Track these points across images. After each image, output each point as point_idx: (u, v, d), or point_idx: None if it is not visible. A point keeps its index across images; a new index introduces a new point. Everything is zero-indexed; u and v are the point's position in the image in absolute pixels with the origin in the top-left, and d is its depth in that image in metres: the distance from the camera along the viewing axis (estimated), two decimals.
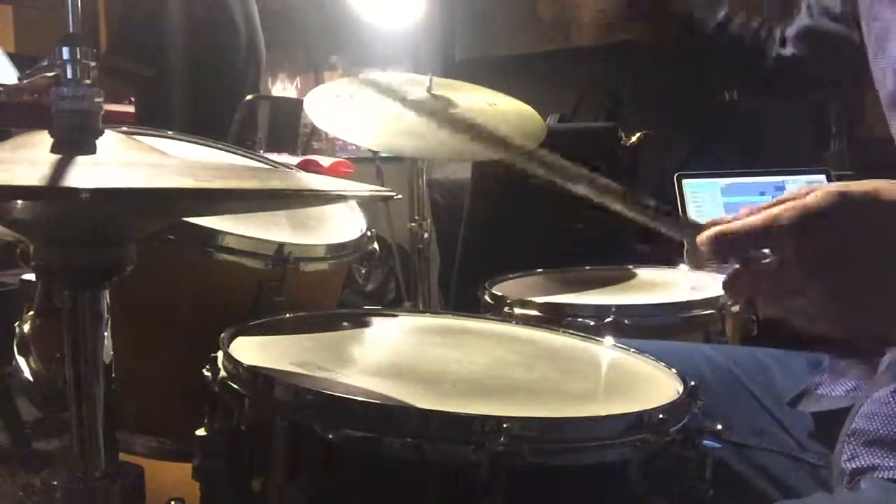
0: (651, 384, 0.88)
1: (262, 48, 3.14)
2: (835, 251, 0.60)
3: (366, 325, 1.10)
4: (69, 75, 0.75)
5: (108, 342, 0.81)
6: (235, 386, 0.80)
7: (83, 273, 0.78)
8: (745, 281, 0.65)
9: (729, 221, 0.65)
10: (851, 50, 1.08)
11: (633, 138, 3.33)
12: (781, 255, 0.62)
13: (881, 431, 0.80)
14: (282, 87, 5.34)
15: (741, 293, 0.66)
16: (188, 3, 2.79)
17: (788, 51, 1.39)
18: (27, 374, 1.18)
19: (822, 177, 2.45)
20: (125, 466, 0.85)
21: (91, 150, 0.74)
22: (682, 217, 0.70)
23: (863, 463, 0.80)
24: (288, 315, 1.06)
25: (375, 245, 1.32)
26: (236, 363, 0.81)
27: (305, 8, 4.85)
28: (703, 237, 0.65)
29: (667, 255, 2.32)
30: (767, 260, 0.63)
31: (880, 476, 0.78)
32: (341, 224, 1.32)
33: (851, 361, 0.93)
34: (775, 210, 0.62)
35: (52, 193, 0.63)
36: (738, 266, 0.65)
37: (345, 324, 1.08)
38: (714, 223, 0.66)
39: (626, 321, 1.38)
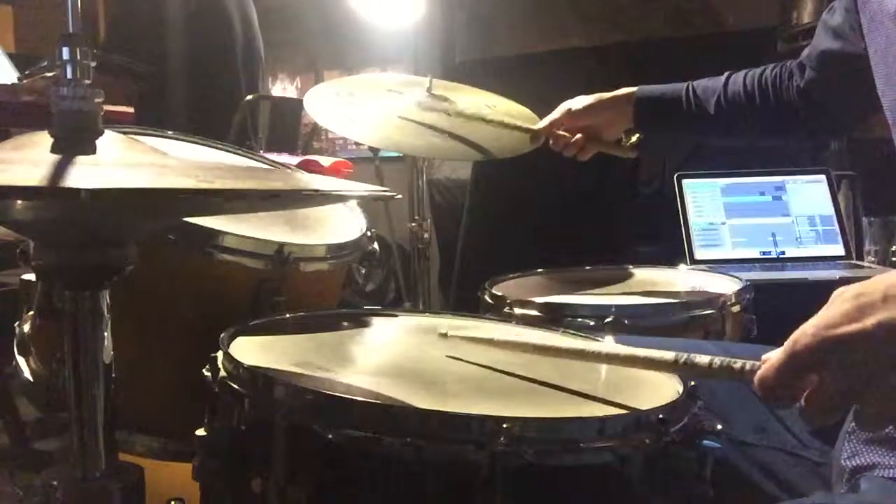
0: (651, 384, 0.88)
1: (261, 48, 3.14)
2: (858, 357, 0.64)
3: (366, 325, 1.10)
4: (69, 75, 0.75)
5: (108, 342, 0.81)
6: (235, 386, 0.80)
7: (83, 273, 0.78)
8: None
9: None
10: (863, 68, 1.07)
11: (633, 138, 3.34)
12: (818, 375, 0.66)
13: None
14: (282, 87, 5.34)
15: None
16: (182, 0, 2.79)
17: (808, 75, 1.35)
18: (27, 374, 1.18)
19: (823, 176, 2.45)
20: (125, 466, 0.85)
21: (91, 150, 0.74)
22: (736, 366, 0.74)
23: (863, 461, 0.80)
24: (288, 315, 1.06)
25: (375, 245, 1.32)
26: (236, 363, 0.81)
27: (305, 8, 4.85)
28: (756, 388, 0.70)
29: (667, 255, 2.33)
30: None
31: (880, 474, 0.78)
32: (341, 224, 1.32)
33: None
34: (793, 336, 0.67)
35: (52, 194, 0.63)
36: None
37: (345, 324, 1.08)
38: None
39: (626, 321, 1.38)
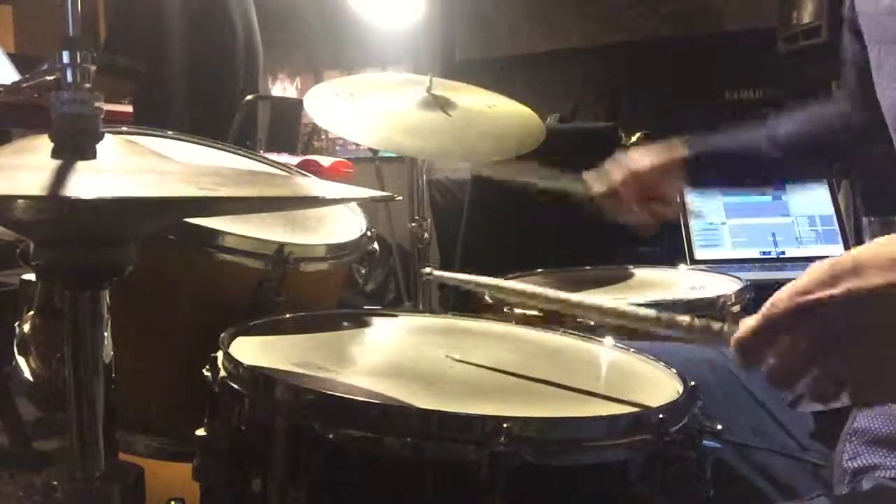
0: (651, 384, 0.88)
1: (260, 48, 3.14)
2: (827, 322, 0.68)
3: (366, 325, 1.10)
4: (69, 79, 0.74)
5: (108, 342, 0.81)
6: (235, 386, 0.80)
7: (83, 273, 0.78)
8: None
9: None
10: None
11: (633, 138, 3.34)
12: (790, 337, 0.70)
13: (882, 430, 0.80)
14: (282, 87, 5.34)
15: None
16: (183, 0, 2.79)
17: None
18: (27, 374, 1.18)
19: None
20: (125, 466, 0.85)
21: (91, 154, 0.74)
22: (715, 327, 0.78)
23: (864, 462, 0.80)
24: (288, 315, 1.06)
25: (375, 245, 1.32)
26: (236, 363, 0.81)
27: (305, 8, 4.85)
28: (732, 350, 0.73)
29: (667, 255, 2.33)
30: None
31: (881, 475, 0.78)
32: (341, 224, 1.32)
33: None
34: (770, 300, 0.71)
35: (52, 201, 0.63)
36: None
37: (345, 324, 1.08)
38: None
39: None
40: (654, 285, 1.67)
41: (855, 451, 0.81)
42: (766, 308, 0.70)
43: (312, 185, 0.88)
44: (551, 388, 0.86)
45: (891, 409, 0.80)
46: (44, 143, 0.74)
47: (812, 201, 2.41)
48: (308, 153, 3.51)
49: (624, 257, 1.96)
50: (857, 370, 0.68)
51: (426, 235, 1.95)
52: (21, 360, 1.19)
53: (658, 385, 0.87)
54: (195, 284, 1.13)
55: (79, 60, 0.74)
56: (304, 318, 1.06)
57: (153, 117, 2.74)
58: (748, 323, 0.71)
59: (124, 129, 1.32)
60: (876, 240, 0.70)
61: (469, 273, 1.00)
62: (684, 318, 0.79)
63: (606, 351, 1.03)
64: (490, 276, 1.65)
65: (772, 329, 0.70)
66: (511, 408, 0.78)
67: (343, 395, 0.74)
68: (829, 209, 2.40)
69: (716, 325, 0.77)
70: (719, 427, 0.78)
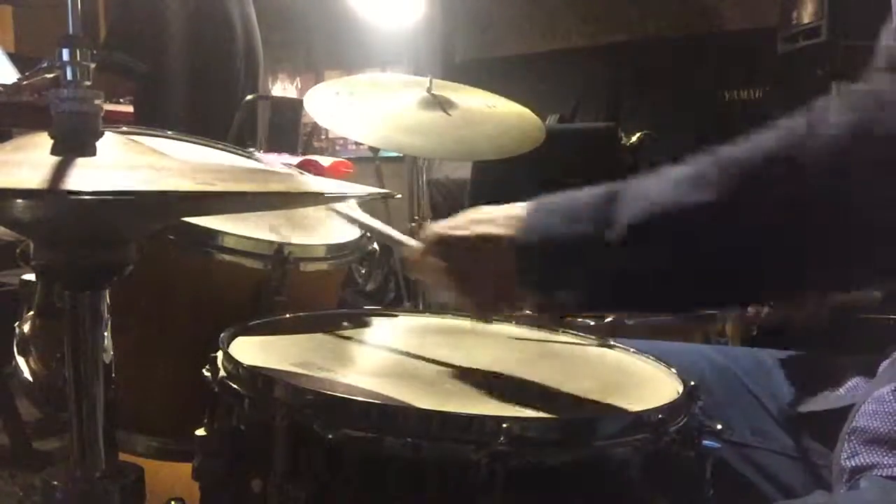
0: (651, 384, 0.88)
1: (260, 48, 3.14)
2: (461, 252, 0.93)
3: (366, 325, 1.10)
4: (69, 77, 0.74)
5: (108, 342, 0.81)
6: (235, 386, 0.80)
7: (83, 273, 0.78)
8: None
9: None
10: None
11: (633, 138, 3.34)
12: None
13: (881, 429, 0.80)
14: (282, 87, 5.34)
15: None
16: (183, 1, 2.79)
17: None
18: (27, 374, 1.18)
19: None
20: (125, 466, 0.85)
21: (91, 151, 0.74)
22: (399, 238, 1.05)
23: (863, 461, 0.80)
24: (288, 315, 1.06)
25: (375, 245, 1.32)
26: (236, 363, 0.81)
27: (305, 8, 4.85)
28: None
29: None
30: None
31: (880, 474, 0.78)
32: (341, 224, 1.32)
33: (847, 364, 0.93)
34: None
35: (52, 196, 0.63)
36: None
37: (345, 324, 1.08)
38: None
39: (626, 321, 1.38)
40: None
41: (854, 450, 0.81)
42: (426, 236, 0.96)
43: (312, 182, 0.89)
44: (551, 388, 0.86)
45: (889, 408, 0.80)
46: (44, 140, 0.74)
47: None
48: (308, 153, 3.51)
49: None
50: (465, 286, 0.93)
51: None
52: (21, 360, 1.19)
53: (658, 385, 0.87)
54: (195, 285, 1.13)
55: (79, 58, 0.74)
56: (304, 318, 1.06)
57: (153, 117, 2.74)
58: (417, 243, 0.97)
59: (124, 128, 1.32)
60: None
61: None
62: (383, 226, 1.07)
63: (606, 351, 1.02)
64: None
65: (424, 250, 0.96)
66: (511, 408, 0.78)
67: (343, 395, 0.74)
68: None
69: (402, 238, 1.04)
70: (719, 427, 0.78)
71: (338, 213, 1.15)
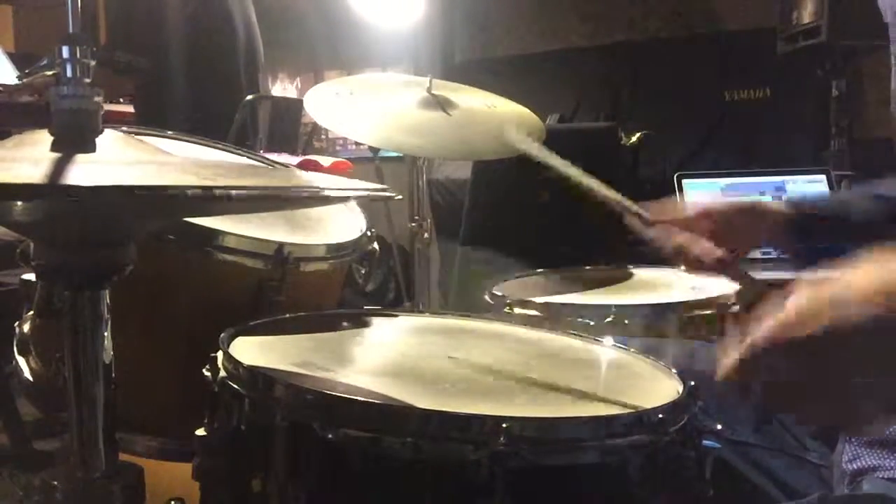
0: (651, 384, 0.88)
1: (261, 48, 3.14)
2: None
3: (366, 325, 1.10)
4: (69, 74, 0.75)
5: (108, 342, 0.81)
6: (235, 386, 0.80)
7: (83, 273, 0.78)
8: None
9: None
10: None
11: (633, 138, 3.34)
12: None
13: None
14: (282, 87, 5.34)
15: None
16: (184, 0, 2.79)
17: None
18: (27, 374, 1.18)
19: (823, 176, 2.45)
20: (125, 466, 0.85)
21: (91, 148, 0.74)
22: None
23: (864, 464, 0.80)
24: (288, 315, 1.06)
25: (375, 245, 1.32)
26: (236, 363, 0.81)
27: (305, 8, 4.84)
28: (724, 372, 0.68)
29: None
30: None
31: (881, 476, 0.78)
32: (341, 224, 1.32)
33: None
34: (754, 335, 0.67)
35: (52, 192, 0.63)
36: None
37: (345, 324, 1.08)
38: None
39: (626, 321, 1.38)
40: (654, 285, 1.67)
41: (854, 454, 0.81)
42: (748, 342, 0.66)
43: (313, 180, 0.88)
44: (551, 388, 0.86)
45: None
46: (44, 138, 0.75)
47: None
48: (308, 153, 3.51)
49: (623, 257, 1.96)
50: (842, 402, 0.65)
51: (426, 235, 1.96)
52: (21, 360, 1.19)
53: (658, 385, 0.87)
54: (195, 284, 1.13)
55: (78, 56, 0.74)
56: (304, 318, 1.06)
57: (154, 117, 2.74)
58: (731, 357, 0.67)
59: (124, 128, 1.32)
60: (864, 259, 0.67)
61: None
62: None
63: (606, 351, 1.02)
64: (490, 276, 1.66)
65: (754, 362, 0.66)
66: (511, 408, 0.78)
67: (343, 395, 0.74)
68: None
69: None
70: (719, 427, 0.78)
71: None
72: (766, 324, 0.66)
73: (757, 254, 2.33)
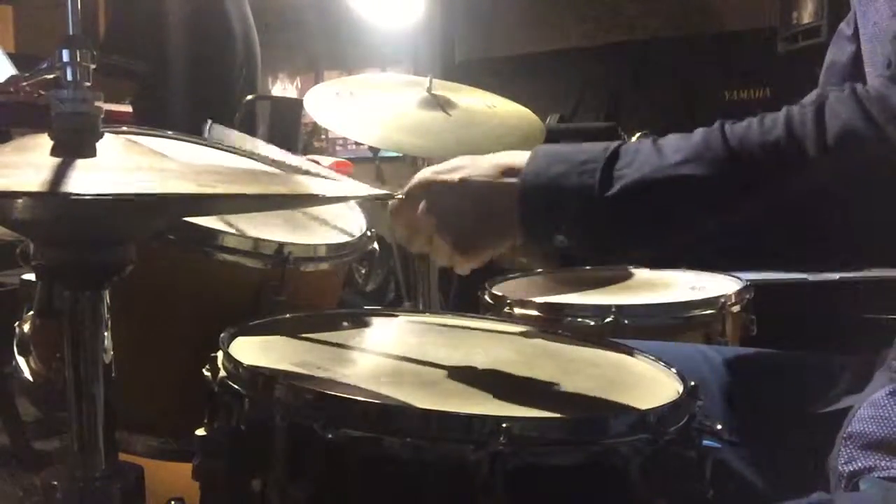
0: (651, 384, 0.88)
1: (258, 48, 3.14)
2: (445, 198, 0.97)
3: (366, 325, 1.10)
4: (69, 78, 0.74)
5: (108, 342, 0.81)
6: (235, 386, 0.80)
7: (83, 273, 0.78)
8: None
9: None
10: None
11: (633, 138, 3.34)
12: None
13: (878, 434, 0.80)
14: (282, 87, 5.34)
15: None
16: (182, 1, 2.79)
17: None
18: (27, 374, 1.18)
19: None
20: (125, 466, 0.85)
21: (91, 153, 0.74)
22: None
23: (860, 465, 0.80)
24: (288, 315, 1.06)
25: (375, 245, 1.32)
26: (236, 363, 0.81)
27: (305, 8, 4.85)
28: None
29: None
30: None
31: (879, 475, 0.78)
32: (341, 224, 1.32)
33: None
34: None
35: (53, 198, 0.63)
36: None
37: (345, 324, 1.08)
38: None
39: (626, 321, 1.38)
40: (654, 285, 1.67)
41: (850, 456, 0.81)
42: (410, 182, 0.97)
43: (312, 184, 0.88)
44: (551, 388, 0.86)
45: (885, 412, 0.80)
46: (44, 142, 0.74)
47: None
48: (308, 153, 3.51)
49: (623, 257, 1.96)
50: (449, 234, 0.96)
51: None
52: (21, 360, 1.19)
53: (658, 385, 0.87)
54: (195, 284, 1.13)
55: (78, 59, 0.74)
56: (304, 318, 1.06)
57: (153, 118, 2.74)
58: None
59: (124, 129, 1.32)
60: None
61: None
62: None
63: (606, 351, 1.02)
64: (490, 276, 1.66)
65: (410, 197, 0.97)
66: (511, 408, 0.78)
67: (343, 395, 0.74)
68: None
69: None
70: (719, 427, 0.78)
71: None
72: (425, 170, 0.99)
73: None
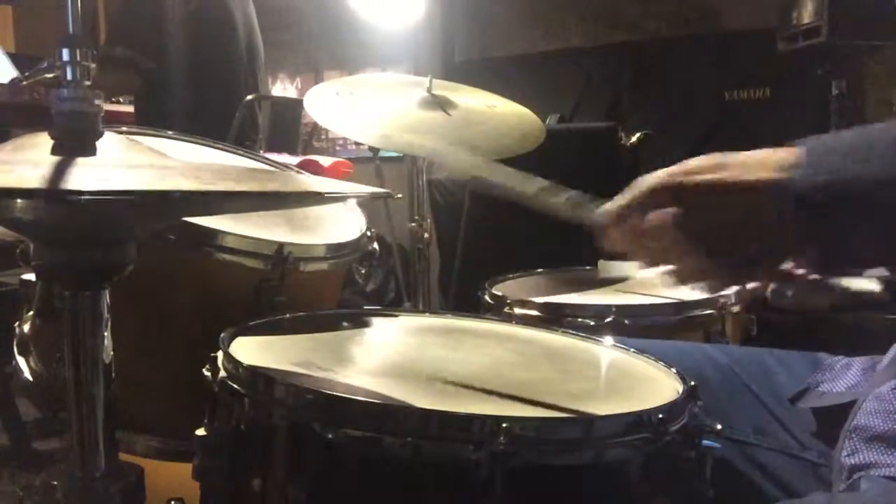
0: (651, 384, 0.88)
1: (262, 48, 3.14)
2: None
3: (366, 325, 1.10)
4: (69, 77, 0.74)
5: (108, 342, 0.81)
6: (235, 386, 0.80)
7: (83, 273, 0.78)
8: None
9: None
10: None
11: (633, 138, 3.34)
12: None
13: (881, 427, 0.80)
14: (282, 87, 5.33)
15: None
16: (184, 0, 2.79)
17: None
18: (27, 374, 1.18)
19: None
20: (125, 466, 0.85)
21: (91, 151, 0.74)
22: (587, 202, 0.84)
23: (862, 459, 0.80)
24: (288, 315, 1.06)
25: (375, 245, 1.32)
26: (236, 363, 0.81)
27: (305, 8, 4.84)
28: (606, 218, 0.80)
29: None
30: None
31: (878, 474, 0.78)
32: (341, 224, 1.32)
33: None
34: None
35: (52, 196, 0.63)
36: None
37: (345, 324, 1.08)
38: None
39: (626, 321, 1.38)
40: (654, 285, 1.67)
41: (854, 448, 0.81)
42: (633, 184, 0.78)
43: (312, 181, 0.88)
44: (551, 388, 0.86)
45: (890, 406, 0.80)
46: (44, 140, 0.75)
47: None
48: (308, 153, 3.51)
49: (624, 257, 1.96)
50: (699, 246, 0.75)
51: (426, 235, 1.96)
52: (21, 360, 1.19)
53: (658, 385, 0.87)
54: (195, 284, 1.13)
55: (79, 58, 0.74)
56: (304, 318, 1.06)
57: (154, 117, 2.73)
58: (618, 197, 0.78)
59: (124, 129, 1.32)
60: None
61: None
62: (561, 195, 0.86)
63: (606, 351, 1.02)
64: (490, 276, 1.66)
65: (635, 200, 0.77)
66: (511, 408, 0.78)
67: (343, 395, 0.74)
68: None
69: (588, 202, 0.83)
70: (719, 426, 0.78)
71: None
72: (661, 173, 0.77)
73: None
